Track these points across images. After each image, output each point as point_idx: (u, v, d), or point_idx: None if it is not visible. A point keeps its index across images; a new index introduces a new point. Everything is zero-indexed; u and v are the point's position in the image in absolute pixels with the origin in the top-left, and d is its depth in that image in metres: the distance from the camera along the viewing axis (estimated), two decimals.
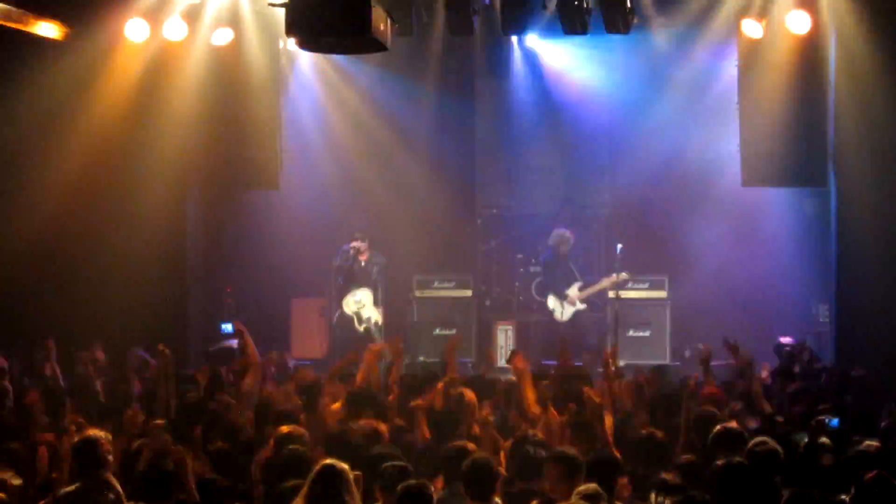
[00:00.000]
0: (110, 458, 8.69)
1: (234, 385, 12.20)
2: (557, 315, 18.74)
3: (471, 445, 9.05)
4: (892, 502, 7.50)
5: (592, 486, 7.92)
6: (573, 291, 18.72)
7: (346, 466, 7.74)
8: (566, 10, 15.38)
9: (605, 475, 8.32)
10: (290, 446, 9.08)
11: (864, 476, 7.52)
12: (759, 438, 8.94)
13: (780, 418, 10.98)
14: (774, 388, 12.51)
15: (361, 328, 18.47)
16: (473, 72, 20.55)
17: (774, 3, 15.85)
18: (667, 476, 8.55)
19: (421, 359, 16.91)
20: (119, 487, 8.55)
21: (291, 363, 15.98)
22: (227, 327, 16.46)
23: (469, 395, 10.98)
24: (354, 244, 18.34)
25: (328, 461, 7.78)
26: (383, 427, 10.13)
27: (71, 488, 8.53)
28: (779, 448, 8.75)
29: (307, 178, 19.28)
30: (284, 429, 9.63)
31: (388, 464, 8.43)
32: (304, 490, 7.67)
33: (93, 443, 8.63)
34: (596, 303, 19.89)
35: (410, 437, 10.39)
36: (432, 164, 20.49)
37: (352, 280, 18.53)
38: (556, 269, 18.90)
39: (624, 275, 18.45)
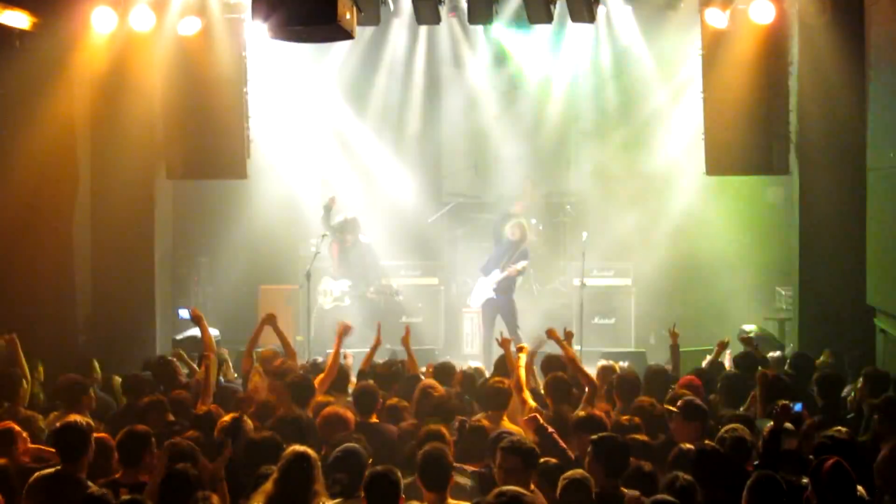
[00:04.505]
0: (92, 444, 8.72)
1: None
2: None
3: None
4: (848, 489, 7.65)
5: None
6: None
7: (314, 453, 7.82)
8: None
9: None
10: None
11: (822, 463, 7.64)
12: (728, 425, 9.14)
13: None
14: (738, 375, 12.59)
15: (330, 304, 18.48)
16: (440, 60, 20.62)
17: None
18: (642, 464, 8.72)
19: (387, 346, 16.94)
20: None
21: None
22: (184, 313, 16.42)
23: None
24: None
25: (298, 448, 7.84)
26: (349, 414, 10.19)
27: (50, 471, 8.54)
28: (747, 434, 8.93)
29: (274, 166, 19.34)
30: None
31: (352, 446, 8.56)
32: (274, 475, 7.74)
33: (76, 429, 8.68)
34: (561, 290, 20.05)
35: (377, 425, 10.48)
36: (399, 152, 20.61)
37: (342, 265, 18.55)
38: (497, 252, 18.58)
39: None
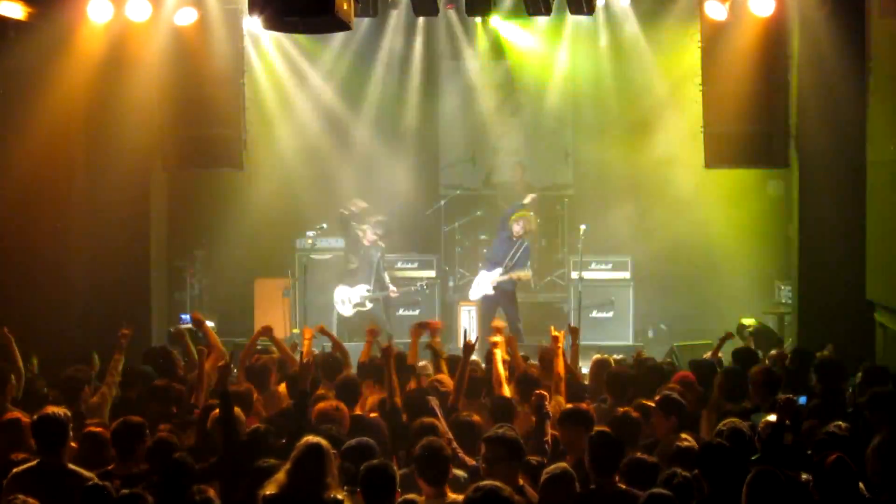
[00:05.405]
0: (71, 434, 8.64)
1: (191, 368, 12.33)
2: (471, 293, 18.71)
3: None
4: (850, 485, 7.59)
5: None
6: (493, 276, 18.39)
7: (328, 445, 7.73)
8: None
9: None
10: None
11: (824, 458, 7.60)
12: (727, 420, 9.07)
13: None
14: (737, 369, 12.52)
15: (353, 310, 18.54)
16: (437, 52, 20.55)
17: None
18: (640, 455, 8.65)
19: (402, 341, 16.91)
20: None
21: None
22: (186, 318, 16.40)
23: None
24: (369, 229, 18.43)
25: (312, 439, 7.77)
26: (346, 408, 10.12)
27: (32, 464, 8.46)
28: (745, 427, 8.85)
29: (271, 157, 19.30)
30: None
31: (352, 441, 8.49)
32: (288, 466, 7.66)
33: (54, 420, 8.59)
34: (559, 284, 20.00)
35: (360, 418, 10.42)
36: (396, 144, 20.54)
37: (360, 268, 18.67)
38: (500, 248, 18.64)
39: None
